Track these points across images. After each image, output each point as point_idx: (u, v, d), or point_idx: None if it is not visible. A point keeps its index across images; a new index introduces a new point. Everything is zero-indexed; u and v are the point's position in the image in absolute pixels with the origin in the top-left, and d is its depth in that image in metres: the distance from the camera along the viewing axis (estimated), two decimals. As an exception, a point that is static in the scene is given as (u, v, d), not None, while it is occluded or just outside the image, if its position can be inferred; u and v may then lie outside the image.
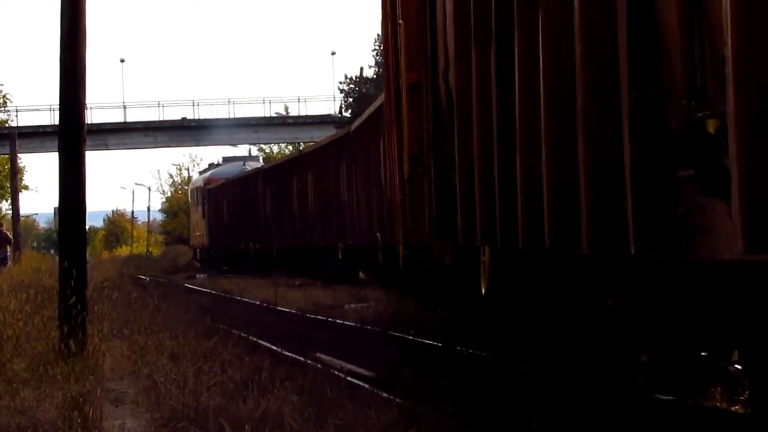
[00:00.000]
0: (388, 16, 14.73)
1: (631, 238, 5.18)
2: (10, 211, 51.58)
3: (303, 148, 49.08)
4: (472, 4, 9.02)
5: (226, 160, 62.75)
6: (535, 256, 7.06)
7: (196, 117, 77.18)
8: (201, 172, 69.09)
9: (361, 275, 31.13)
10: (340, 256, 31.89)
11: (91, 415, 8.60)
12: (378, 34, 72.01)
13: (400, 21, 13.44)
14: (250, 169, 51.39)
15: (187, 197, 75.27)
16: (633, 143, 4.91)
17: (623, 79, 5.06)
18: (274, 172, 43.33)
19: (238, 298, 26.11)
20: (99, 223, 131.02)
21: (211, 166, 65.13)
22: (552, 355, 8.19)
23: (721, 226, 4.30)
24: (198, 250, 60.04)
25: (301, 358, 12.56)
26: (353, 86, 79.77)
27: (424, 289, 13.11)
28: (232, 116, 77.39)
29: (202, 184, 58.04)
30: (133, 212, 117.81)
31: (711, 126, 4.31)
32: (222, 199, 52.23)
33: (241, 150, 78.57)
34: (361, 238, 28.91)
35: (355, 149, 29.69)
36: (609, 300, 6.33)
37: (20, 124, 69.68)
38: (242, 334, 14.72)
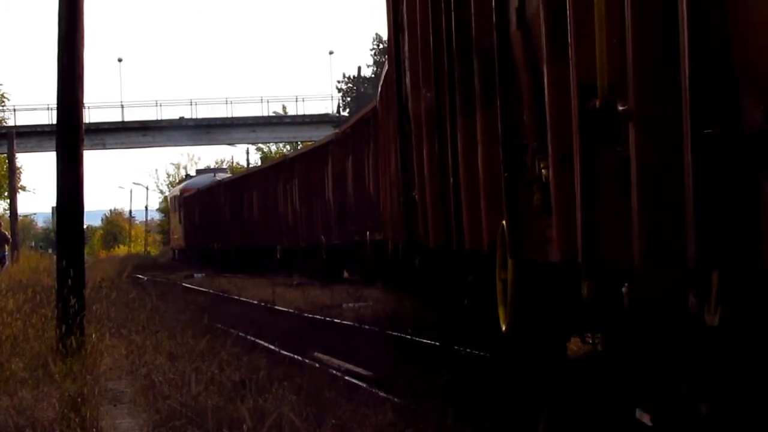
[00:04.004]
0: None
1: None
2: (8, 211, 51.56)
3: (250, 167, 60.69)
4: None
5: (199, 172, 74.70)
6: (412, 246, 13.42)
7: (194, 116, 77.11)
8: (178, 183, 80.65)
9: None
10: (278, 256, 39.73)
11: (88, 414, 8.60)
12: (376, 33, 71.92)
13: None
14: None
15: (168, 204, 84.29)
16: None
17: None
18: (231, 185, 51.40)
19: (236, 297, 26.12)
20: (97, 223, 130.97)
21: (187, 177, 77.16)
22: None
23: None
24: (176, 251, 67.74)
25: (299, 358, 12.57)
26: (351, 85, 79.76)
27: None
28: (230, 116, 77.38)
29: (179, 193, 66.11)
30: (131, 212, 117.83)
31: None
32: (194, 206, 59.74)
33: (240, 150, 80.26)
34: (295, 242, 37.21)
35: (293, 172, 38.01)
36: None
37: (18, 124, 69.62)
38: (240, 334, 14.72)
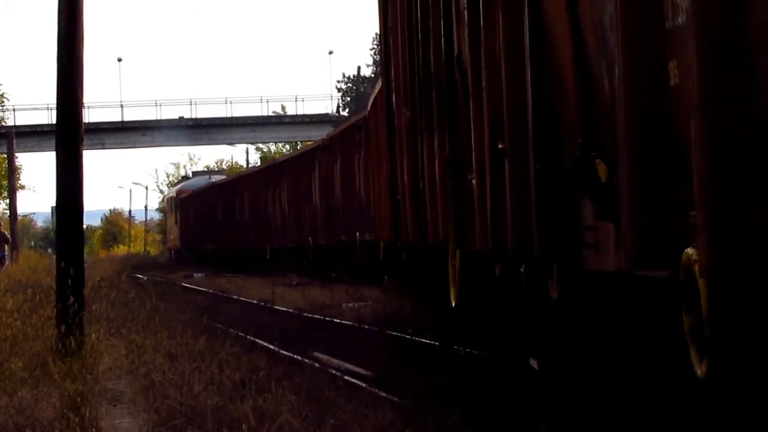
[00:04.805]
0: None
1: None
2: (8, 211, 51.56)
3: (242, 171, 62.43)
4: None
5: (195, 173, 76.52)
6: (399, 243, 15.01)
7: (194, 116, 77.13)
8: (174, 185, 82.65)
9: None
10: (267, 256, 41.81)
11: (88, 414, 8.60)
12: (376, 33, 71.93)
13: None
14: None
15: (164, 206, 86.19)
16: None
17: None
18: (224, 187, 53.35)
19: (236, 297, 26.12)
20: (96, 223, 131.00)
21: (184, 178, 79.05)
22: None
23: None
24: (173, 251, 69.66)
25: (299, 358, 12.57)
26: (351, 85, 79.82)
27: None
28: (229, 115, 77.38)
29: (175, 195, 67.80)
30: (130, 211, 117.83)
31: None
32: (190, 207, 61.61)
33: (239, 150, 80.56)
34: (283, 243, 39.36)
35: (282, 176, 39.97)
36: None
37: (17, 123, 69.61)
38: (240, 333, 14.72)
